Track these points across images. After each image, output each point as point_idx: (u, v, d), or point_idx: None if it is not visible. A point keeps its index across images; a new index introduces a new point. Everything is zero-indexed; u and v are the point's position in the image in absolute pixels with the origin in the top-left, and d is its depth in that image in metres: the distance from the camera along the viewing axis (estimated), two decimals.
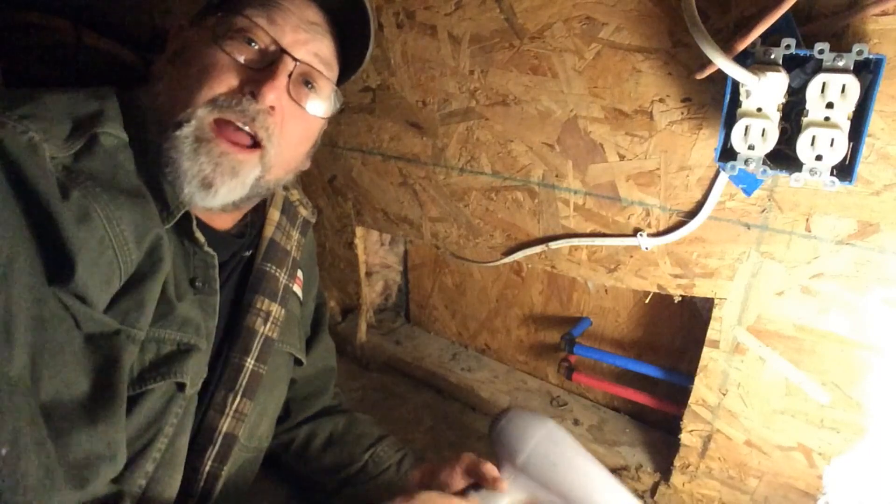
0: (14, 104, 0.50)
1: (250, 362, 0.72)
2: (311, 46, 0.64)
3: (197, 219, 0.64)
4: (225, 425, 0.70)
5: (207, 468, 0.69)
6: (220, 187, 0.59)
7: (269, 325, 0.74)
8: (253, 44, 0.61)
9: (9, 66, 0.67)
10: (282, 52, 0.61)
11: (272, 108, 0.60)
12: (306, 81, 0.64)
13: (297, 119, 0.64)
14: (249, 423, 0.73)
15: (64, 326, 0.50)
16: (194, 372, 0.62)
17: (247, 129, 0.60)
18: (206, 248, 0.64)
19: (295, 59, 0.61)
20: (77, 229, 0.49)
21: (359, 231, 1.23)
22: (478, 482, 0.75)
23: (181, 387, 0.61)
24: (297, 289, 0.83)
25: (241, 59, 0.60)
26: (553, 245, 0.94)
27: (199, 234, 0.63)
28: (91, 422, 0.51)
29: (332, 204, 1.23)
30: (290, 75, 0.61)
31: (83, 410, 0.51)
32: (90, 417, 0.51)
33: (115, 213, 0.53)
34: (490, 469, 0.75)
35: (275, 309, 0.75)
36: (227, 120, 0.59)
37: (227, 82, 0.59)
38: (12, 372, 0.45)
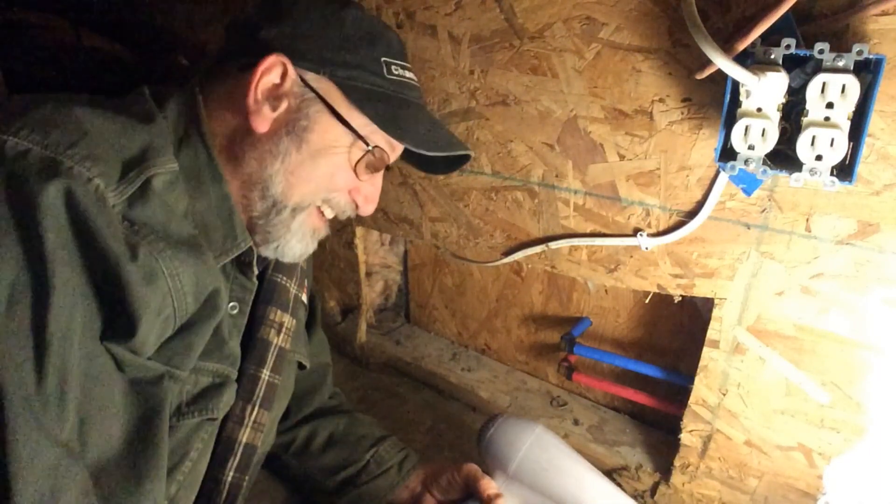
0: (67, 137, 0.47)
1: (266, 373, 0.72)
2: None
3: None
4: (245, 436, 0.70)
5: (229, 479, 0.69)
6: (307, 254, 0.67)
7: (282, 335, 0.74)
8: (383, 166, 0.66)
9: (9, 66, 0.66)
10: (387, 166, 0.66)
11: None
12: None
13: (376, 198, 0.70)
14: (265, 433, 0.74)
15: (109, 378, 0.49)
16: (226, 403, 0.64)
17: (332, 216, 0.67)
18: (255, 280, 0.67)
19: (389, 164, 0.67)
20: (144, 290, 0.48)
21: (359, 231, 1.23)
22: (475, 495, 0.75)
23: (212, 419, 0.62)
24: (303, 297, 0.83)
25: (365, 178, 0.65)
26: (553, 245, 0.94)
27: (256, 269, 0.66)
28: (137, 482, 0.50)
29: None
30: None
31: (128, 468, 0.50)
32: (136, 477, 0.51)
33: (177, 268, 0.52)
34: (488, 485, 0.75)
35: (287, 320, 0.75)
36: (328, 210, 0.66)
37: (344, 189, 0.65)
38: (63, 435, 0.45)
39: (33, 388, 0.43)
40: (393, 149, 0.65)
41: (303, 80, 0.59)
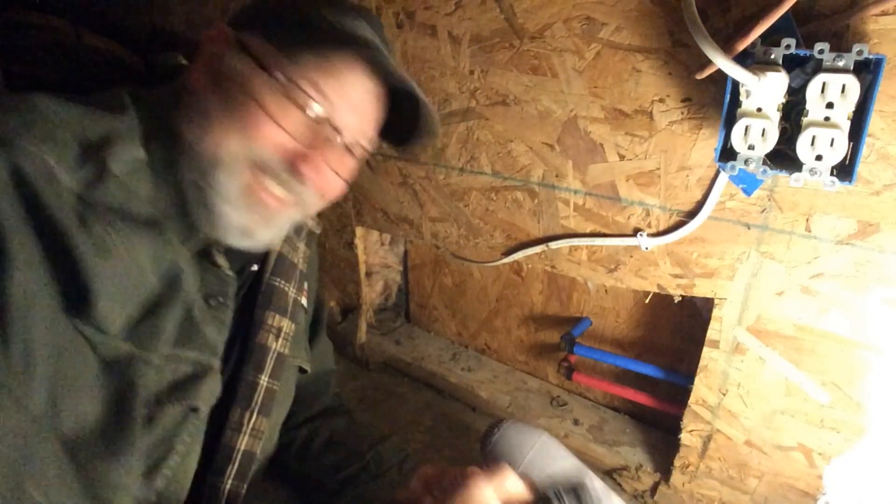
0: (22, 120, 0.49)
1: (264, 379, 0.71)
2: (363, 126, 0.63)
3: None
4: (243, 444, 0.69)
5: (228, 487, 0.69)
6: (258, 236, 0.60)
7: (280, 340, 0.74)
8: (306, 113, 0.58)
9: (9, 66, 0.66)
10: (334, 130, 0.60)
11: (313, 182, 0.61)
12: (347, 149, 0.63)
13: (337, 182, 0.64)
14: (264, 440, 0.73)
15: (80, 356, 0.50)
16: (208, 394, 0.63)
17: (284, 195, 0.60)
18: (228, 272, 0.65)
19: (342, 138, 0.60)
20: (95, 262, 0.49)
21: (359, 231, 1.23)
22: None
23: (195, 409, 0.61)
24: (303, 300, 0.83)
25: (289, 126, 0.58)
26: (553, 245, 0.94)
27: (221, 260, 0.63)
28: (111, 452, 0.51)
29: (332, 204, 1.23)
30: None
31: (102, 440, 0.51)
32: (109, 448, 0.51)
33: (133, 243, 0.52)
34: None
35: (285, 324, 0.74)
36: (265, 180, 0.59)
37: (275, 149, 0.58)
38: (33, 406, 0.45)
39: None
40: (328, 100, 0.58)
41: (238, 40, 0.59)
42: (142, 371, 0.55)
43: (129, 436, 0.53)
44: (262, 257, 0.75)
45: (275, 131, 0.58)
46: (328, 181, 0.62)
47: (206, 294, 0.65)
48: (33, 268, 0.46)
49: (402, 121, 0.67)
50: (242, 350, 0.71)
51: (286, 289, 0.76)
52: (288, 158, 0.58)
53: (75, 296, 0.48)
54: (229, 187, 0.57)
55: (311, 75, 0.58)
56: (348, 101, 0.61)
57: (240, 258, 0.71)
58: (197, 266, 0.63)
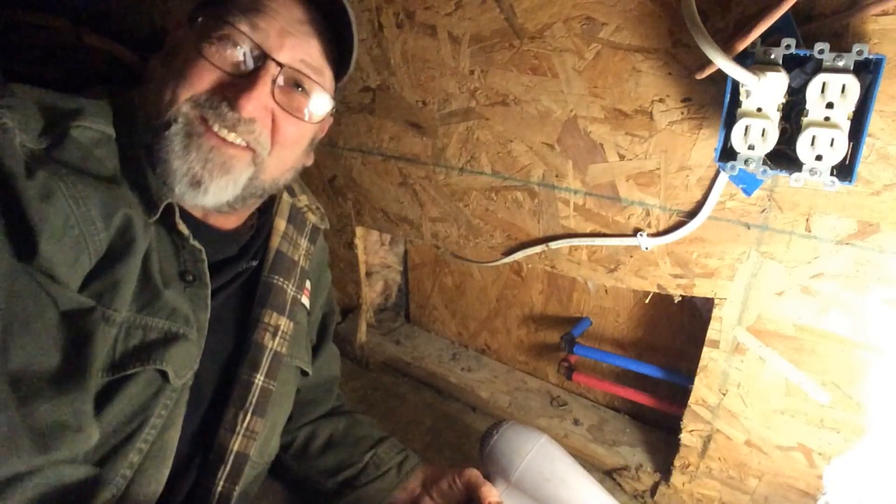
0: None
1: (260, 378, 0.70)
2: (299, 51, 0.62)
3: (194, 217, 0.64)
4: (236, 444, 0.69)
5: (220, 489, 0.68)
6: (209, 185, 0.59)
7: (277, 339, 0.73)
8: (237, 47, 0.60)
9: (9, 66, 0.66)
10: (265, 57, 0.60)
11: (253, 118, 0.60)
12: (296, 84, 0.63)
13: (288, 122, 0.63)
14: (260, 441, 0.72)
15: (37, 302, 0.50)
16: (180, 362, 0.61)
17: (231, 137, 0.59)
18: (192, 242, 0.63)
19: (279, 64, 0.60)
20: (39, 206, 0.49)
21: (359, 231, 1.23)
22: (475, 501, 0.75)
23: (164, 376, 0.60)
24: (304, 299, 0.82)
25: (225, 64, 0.59)
26: (553, 245, 0.94)
27: (182, 227, 0.62)
28: (57, 392, 0.51)
29: (332, 204, 1.23)
30: (274, 80, 0.60)
31: (51, 381, 0.51)
32: (56, 388, 0.51)
33: (80, 192, 0.52)
34: (489, 492, 0.74)
35: (283, 323, 0.74)
36: (208, 120, 0.58)
37: (205, 85, 0.59)
38: None
39: None
40: (257, 29, 0.60)
41: (188, 19, 0.63)
42: (99, 324, 0.54)
43: (79, 380, 0.53)
44: (261, 254, 0.74)
45: (207, 70, 0.59)
46: (272, 114, 0.61)
47: (182, 270, 0.63)
48: None
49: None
50: (239, 349, 0.71)
51: (285, 286, 0.75)
52: (227, 94, 0.59)
53: (21, 239, 0.49)
54: (172, 136, 0.58)
55: (235, 12, 0.60)
56: (276, 26, 0.61)
57: (230, 243, 0.70)
58: (167, 240, 0.62)
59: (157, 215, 0.59)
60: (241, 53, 0.60)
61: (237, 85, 0.59)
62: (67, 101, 0.57)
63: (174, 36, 0.65)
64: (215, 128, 0.58)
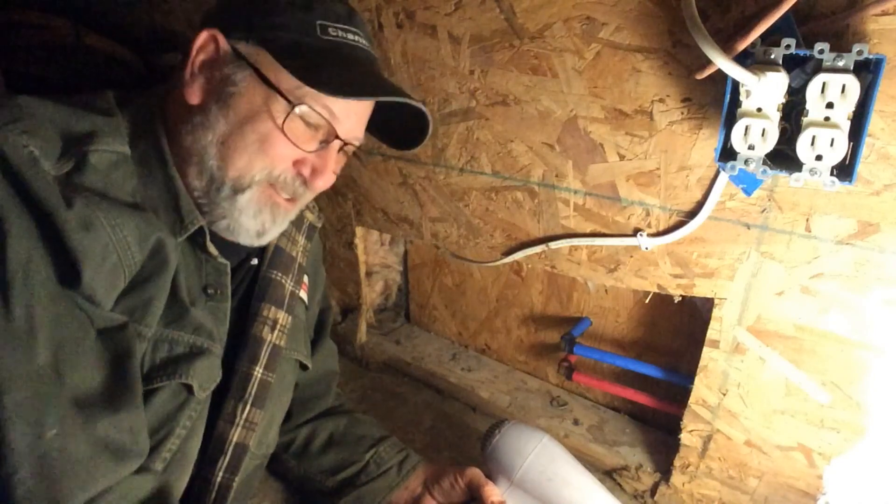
0: (7, 116, 0.51)
1: (259, 371, 0.72)
2: (359, 129, 0.66)
3: (212, 232, 0.65)
4: (235, 435, 0.70)
5: (219, 479, 0.69)
6: (269, 233, 0.65)
7: (276, 332, 0.74)
8: (319, 130, 0.62)
9: (9, 66, 0.66)
10: (339, 140, 0.63)
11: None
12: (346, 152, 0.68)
13: (332, 180, 0.67)
14: (259, 432, 0.73)
15: (78, 323, 0.52)
16: (204, 375, 0.63)
17: (294, 198, 0.65)
18: (221, 259, 0.66)
19: (343, 142, 0.64)
20: (82, 236, 0.51)
21: (359, 231, 1.23)
22: (477, 501, 0.75)
23: (189, 389, 0.62)
24: (302, 294, 0.83)
25: (302, 144, 0.61)
26: (553, 245, 0.94)
27: (212, 248, 0.65)
28: (113, 410, 0.53)
29: (332, 204, 1.23)
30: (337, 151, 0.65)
31: (104, 400, 0.53)
32: (112, 406, 0.53)
33: (116, 219, 0.54)
34: (491, 492, 0.75)
35: (282, 316, 0.75)
36: (278, 189, 0.63)
37: (285, 164, 0.62)
38: (35, 365, 0.48)
39: (2, 322, 0.46)
40: (334, 117, 0.61)
41: (234, 49, 0.60)
42: (134, 339, 0.56)
43: (130, 396, 0.55)
44: (261, 251, 0.75)
45: (290, 151, 0.61)
46: (325, 174, 0.64)
47: (204, 284, 0.66)
48: (29, 241, 0.49)
49: (399, 118, 0.68)
50: (238, 342, 0.72)
51: (283, 281, 0.76)
52: (300, 171, 0.63)
53: (66, 267, 0.51)
54: (246, 202, 0.62)
55: (317, 100, 0.60)
56: (351, 114, 0.63)
57: (239, 250, 0.72)
58: (192, 255, 0.64)
59: (185, 236, 0.61)
60: (317, 136, 0.62)
61: (312, 166, 0.63)
62: (81, 121, 0.56)
63: (214, 61, 0.60)
64: (283, 195, 0.64)
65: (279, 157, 0.61)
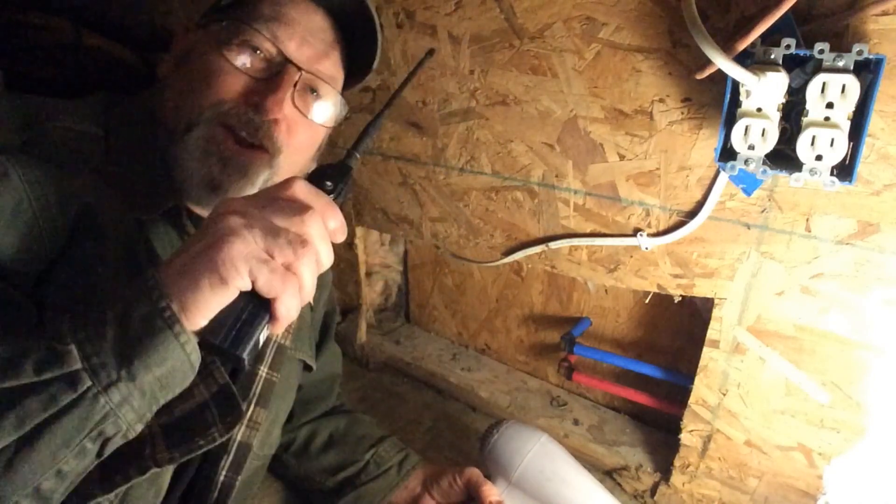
0: None
1: (263, 370, 0.71)
2: (317, 56, 0.64)
3: (203, 218, 0.64)
4: (239, 435, 0.69)
5: (222, 478, 0.68)
6: (228, 188, 0.60)
7: (281, 332, 0.74)
8: (258, 52, 0.61)
9: (9, 65, 0.66)
10: (286, 61, 0.61)
11: (276, 119, 0.60)
12: (311, 89, 0.65)
13: (303, 126, 0.64)
14: (262, 432, 0.73)
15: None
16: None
17: (253, 140, 0.60)
18: None
19: (299, 69, 0.62)
20: None
21: (359, 231, 1.23)
22: (476, 500, 0.75)
23: None
24: None
25: (246, 68, 0.60)
26: (553, 245, 0.94)
27: (191, 228, 0.63)
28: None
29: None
30: (294, 85, 0.62)
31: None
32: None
33: (37, 176, 0.50)
34: (490, 492, 0.75)
35: None
36: (232, 126, 0.59)
37: (231, 91, 0.60)
38: None
39: None
40: (278, 38, 0.61)
41: (196, 24, 0.66)
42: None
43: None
44: None
45: (231, 74, 0.60)
46: (292, 116, 0.63)
47: None
48: None
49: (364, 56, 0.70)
50: None
51: None
52: (251, 100, 0.60)
53: None
54: (193, 140, 0.59)
55: (257, 18, 0.61)
56: (297, 34, 0.62)
57: None
58: (178, 240, 0.62)
59: (157, 213, 0.59)
60: (262, 57, 0.61)
61: (260, 90, 0.60)
62: (48, 105, 0.57)
63: (185, 39, 0.66)
64: (243, 134, 0.59)
65: (224, 86, 0.59)
